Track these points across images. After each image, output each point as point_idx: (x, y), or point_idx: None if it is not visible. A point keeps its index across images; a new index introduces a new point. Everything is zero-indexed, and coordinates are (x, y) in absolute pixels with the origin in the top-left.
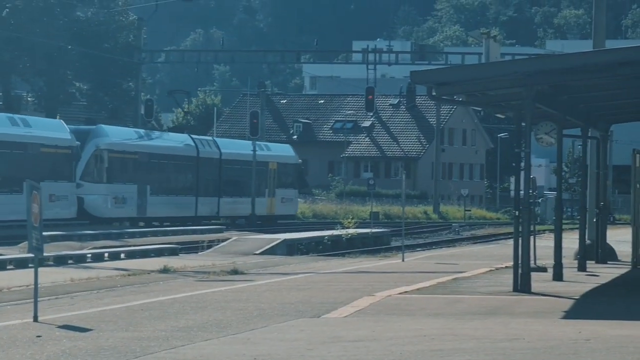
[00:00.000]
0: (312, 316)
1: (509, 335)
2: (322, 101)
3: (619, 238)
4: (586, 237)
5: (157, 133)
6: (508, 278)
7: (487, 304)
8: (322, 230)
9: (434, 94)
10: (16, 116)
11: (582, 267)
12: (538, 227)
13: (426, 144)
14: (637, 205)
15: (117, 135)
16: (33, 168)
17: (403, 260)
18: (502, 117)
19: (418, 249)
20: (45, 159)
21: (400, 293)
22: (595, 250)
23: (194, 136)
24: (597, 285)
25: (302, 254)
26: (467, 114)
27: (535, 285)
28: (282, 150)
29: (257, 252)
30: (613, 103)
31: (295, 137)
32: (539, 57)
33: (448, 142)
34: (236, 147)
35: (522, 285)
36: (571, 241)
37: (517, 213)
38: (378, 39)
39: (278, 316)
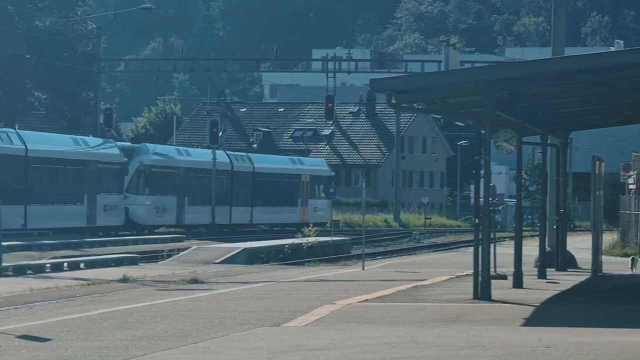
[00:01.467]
0: (272, 325)
1: (470, 343)
2: (282, 109)
3: (579, 245)
4: (546, 244)
5: (195, 150)
6: (468, 286)
7: (448, 312)
8: (283, 238)
9: (393, 102)
10: (78, 137)
11: (542, 275)
12: (498, 235)
13: (386, 152)
14: (597, 212)
15: (159, 152)
16: (91, 182)
17: (364, 269)
18: (462, 124)
19: (379, 257)
20: (101, 174)
21: (360, 301)
22: (556, 258)
23: (229, 152)
24: (557, 292)
25: (263, 262)
26: (427, 121)
27: (495, 293)
28: (315, 164)
29: (217, 261)
30: (572, 110)
31: (255, 145)
32: (498, 65)
33: (408, 150)
34: (268, 162)
35: (482, 292)
36: (531, 248)
37: (477, 221)
38: (338, 47)
39: (238, 325)
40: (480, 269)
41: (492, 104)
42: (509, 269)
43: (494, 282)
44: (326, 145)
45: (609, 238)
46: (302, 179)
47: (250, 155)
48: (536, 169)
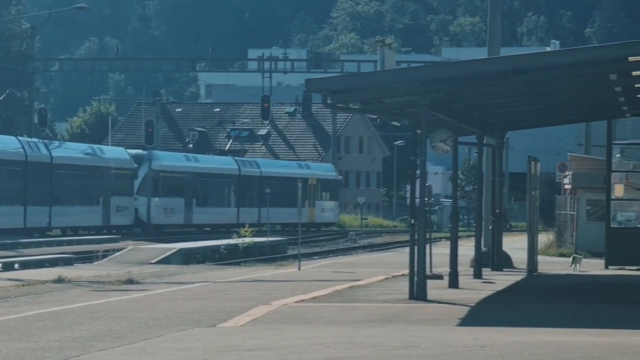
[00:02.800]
0: (208, 325)
1: (405, 343)
2: (217, 109)
3: (515, 245)
4: (482, 244)
5: (204, 156)
6: (404, 286)
7: (384, 312)
8: (219, 239)
9: (329, 102)
10: (95, 146)
11: (478, 275)
12: (434, 235)
13: (323, 152)
14: (532, 213)
15: (167, 158)
16: (106, 186)
17: (299, 269)
18: (398, 124)
19: (315, 258)
20: (114, 179)
21: (296, 301)
22: (491, 258)
23: (236, 158)
24: (492, 292)
25: (199, 263)
26: (364, 122)
27: (431, 293)
28: (322, 169)
29: (153, 261)
30: (508, 110)
31: (190, 145)
32: (434, 65)
33: (345, 150)
34: (275, 166)
35: (418, 292)
36: (468, 248)
37: (413, 221)
38: (274, 47)
39: (174, 326)
40: (416, 269)
41: (427, 104)
42: (445, 269)
43: (429, 282)
44: (262, 145)
45: (544, 238)
46: (309, 182)
47: (258, 160)
48: (472, 169)
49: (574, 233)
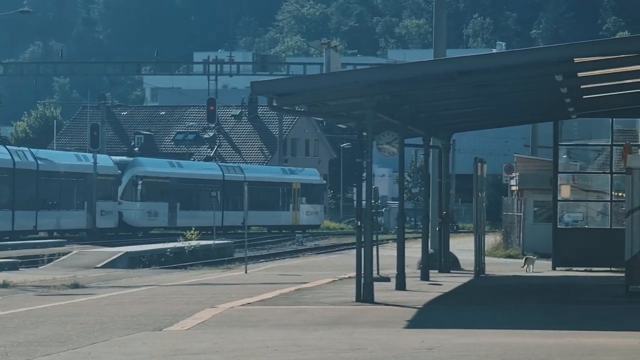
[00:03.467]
0: (154, 329)
1: (352, 346)
2: (163, 113)
3: (462, 247)
4: (429, 246)
5: (189, 162)
6: (351, 288)
7: (331, 314)
8: (165, 242)
9: (275, 104)
10: (80, 153)
11: (425, 277)
12: (381, 237)
13: (269, 155)
14: (479, 214)
15: (151, 164)
16: (90, 191)
17: (246, 272)
18: (344, 127)
19: (261, 260)
20: (99, 184)
21: (243, 305)
22: (439, 260)
23: (221, 164)
24: (440, 294)
25: (145, 266)
26: (310, 124)
27: (378, 295)
28: (307, 174)
29: (99, 265)
30: (454, 112)
31: (136, 149)
32: (379, 67)
33: (291, 152)
34: (259, 172)
35: (365, 295)
36: (415, 250)
37: (359, 223)
38: (219, 50)
39: (120, 330)
40: (362, 271)
41: (373, 106)
42: (392, 271)
43: (377, 285)
44: (208, 148)
45: (492, 239)
46: (293, 187)
47: (242, 166)
48: (419, 170)
49: (521, 234)
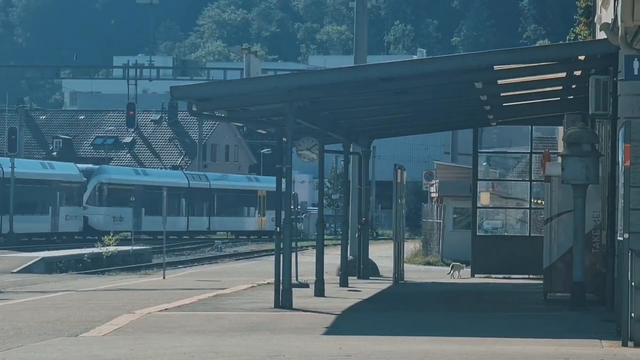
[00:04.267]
0: (70, 335)
1: (270, 352)
2: (82, 117)
3: (381, 254)
4: (348, 252)
5: (155, 170)
6: (270, 294)
7: (249, 321)
8: (82, 248)
9: (194, 109)
10: (45, 162)
11: (344, 283)
12: (301, 243)
13: (188, 160)
14: (398, 221)
15: (116, 172)
16: (55, 197)
17: (164, 278)
18: (264, 132)
19: (180, 266)
20: (63, 191)
21: (160, 310)
22: (358, 266)
23: (186, 172)
24: (358, 300)
25: (62, 271)
26: (230, 129)
27: (297, 301)
28: (273, 182)
29: (15, 270)
30: (375, 119)
31: (54, 153)
32: (299, 73)
33: (211, 157)
34: (225, 179)
35: (283, 301)
36: (334, 257)
37: (278, 229)
38: (139, 55)
39: (35, 335)
40: (281, 278)
41: (293, 112)
42: (311, 277)
43: (295, 291)
44: (127, 152)
45: (411, 246)
46: (259, 194)
47: (208, 174)
48: (339, 177)
49: (441, 241)
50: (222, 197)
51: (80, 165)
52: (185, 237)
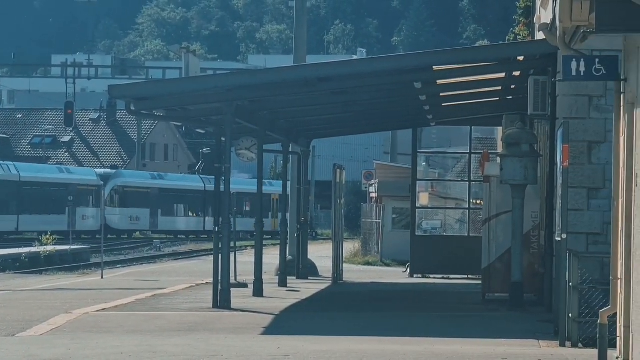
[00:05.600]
0: (7, 335)
1: (208, 352)
2: (20, 116)
3: (320, 254)
4: (287, 252)
5: (171, 174)
6: (208, 294)
7: (187, 321)
8: (20, 247)
9: (133, 108)
10: (63, 167)
11: (283, 283)
12: (240, 243)
13: (127, 159)
14: (337, 221)
15: (132, 176)
16: (72, 199)
17: (103, 278)
18: (204, 132)
19: (118, 266)
20: (80, 194)
21: (98, 310)
22: (297, 266)
23: (203, 176)
24: (297, 300)
25: None
26: (169, 129)
27: (235, 301)
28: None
29: None
30: (314, 118)
31: None
32: (237, 72)
33: (150, 157)
34: (242, 184)
35: (222, 301)
36: (274, 257)
37: (217, 229)
38: (78, 53)
39: None
40: (220, 278)
41: (232, 111)
42: (250, 277)
43: (234, 291)
44: (66, 152)
45: (350, 246)
46: (272, 197)
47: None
48: (279, 176)
49: (380, 241)
50: (241, 200)
51: (98, 170)
52: (203, 236)
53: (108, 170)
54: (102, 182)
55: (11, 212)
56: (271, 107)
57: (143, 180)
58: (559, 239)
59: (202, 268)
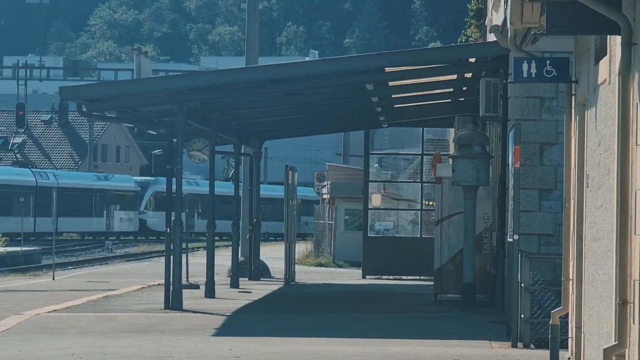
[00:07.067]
0: None
1: (160, 353)
2: None
3: (273, 255)
4: (240, 253)
5: (203, 181)
6: (160, 296)
7: (139, 322)
8: None
9: (84, 110)
10: (101, 174)
11: (235, 284)
12: (192, 245)
13: (79, 161)
14: (290, 222)
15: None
16: (110, 204)
17: (54, 279)
18: (155, 133)
19: (70, 267)
20: (117, 199)
21: (49, 311)
22: (249, 267)
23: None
24: (249, 301)
25: None
26: (121, 130)
27: (187, 303)
28: (306, 191)
29: None
30: (266, 120)
31: None
32: (189, 74)
33: (102, 158)
34: (269, 190)
35: (173, 302)
36: (226, 258)
37: (168, 230)
38: (29, 55)
39: None
40: (171, 279)
41: (184, 113)
42: (202, 278)
43: (186, 292)
44: (17, 153)
45: (303, 248)
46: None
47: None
48: (231, 178)
49: (332, 243)
50: (264, 204)
51: (136, 178)
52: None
53: (147, 178)
54: (139, 188)
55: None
56: (223, 108)
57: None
58: (511, 240)
59: (155, 269)
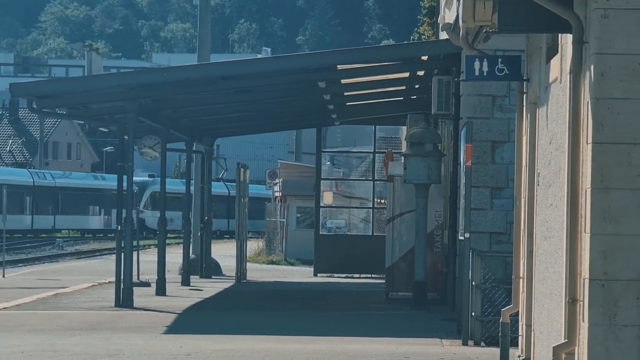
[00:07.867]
0: None
1: (110, 351)
2: None
3: (224, 252)
4: (191, 251)
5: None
6: (111, 293)
7: (89, 320)
8: None
9: (35, 106)
10: (98, 174)
11: (186, 282)
12: (144, 242)
13: (30, 158)
14: (241, 220)
15: (168, 183)
16: (106, 204)
17: (4, 276)
18: (106, 130)
19: (20, 265)
20: (114, 199)
21: None
22: (200, 265)
23: (227, 183)
24: (200, 299)
25: None
26: (73, 127)
27: (138, 300)
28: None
29: None
30: (217, 117)
31: None
32: (141, 71)
33: (52, 155)
34: (254, 190)
35: (124, 300)
36: (177, 256)
37: (119, 228)
38: None
39: None
40: (122, 276)
41: (135, 110)
42: (153, 276)
43: (137, 290)
44: None
45: (254, 245)
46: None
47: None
48: (183, 175)
49: (284, 240)
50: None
51: (136, 178)
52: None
53: (146, 179)
54: (137, 189)
55: (48, 212)
56: (175, 105)
57: (174, 187)
58: (462, 238)
59: (105, 267)
